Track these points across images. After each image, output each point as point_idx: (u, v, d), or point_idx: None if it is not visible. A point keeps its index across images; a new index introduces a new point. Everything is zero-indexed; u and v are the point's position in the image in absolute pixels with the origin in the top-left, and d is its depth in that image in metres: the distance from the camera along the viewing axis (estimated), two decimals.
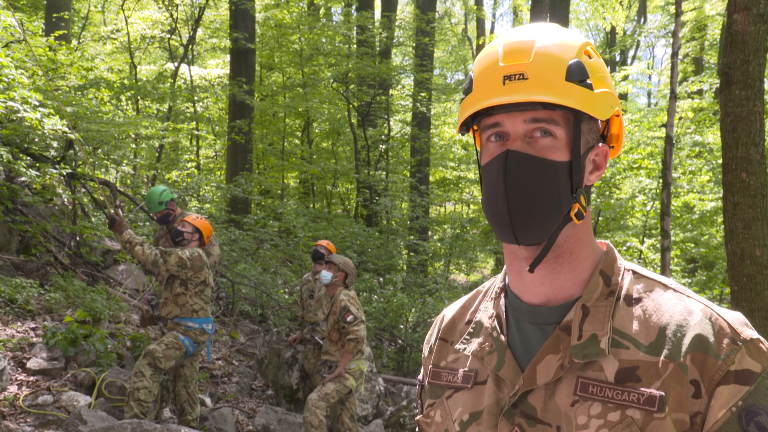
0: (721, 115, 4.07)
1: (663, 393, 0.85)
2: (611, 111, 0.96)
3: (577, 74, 0.91)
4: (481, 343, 1.03)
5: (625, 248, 11.40)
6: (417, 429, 1.11)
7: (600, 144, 1.00)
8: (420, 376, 1.16)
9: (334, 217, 13.17)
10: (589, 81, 0.92)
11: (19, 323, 5.42)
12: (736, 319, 0.89)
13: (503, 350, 0.99)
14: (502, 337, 1.00)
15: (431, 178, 15.66)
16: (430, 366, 1.11)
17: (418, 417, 1.11)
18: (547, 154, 0.92)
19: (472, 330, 1.07)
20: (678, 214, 11.07)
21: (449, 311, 1.15)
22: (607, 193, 11.97)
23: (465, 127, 1.01)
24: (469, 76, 0.99)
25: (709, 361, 0.85)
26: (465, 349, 1.05)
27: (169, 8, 12.80)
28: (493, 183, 0.94)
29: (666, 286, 0.95)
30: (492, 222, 0.96)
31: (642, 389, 0.86)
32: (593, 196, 11.60)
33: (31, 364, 4.80)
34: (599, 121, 1.00)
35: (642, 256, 11.14)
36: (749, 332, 0.87)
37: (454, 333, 1.11)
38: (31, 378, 4.71)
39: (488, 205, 0.96)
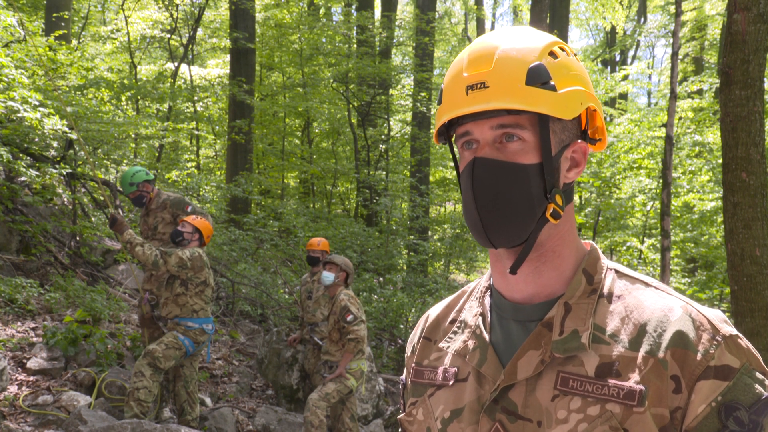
0: (721, 115, 4.08)
1: (643, 387, 0.86)
2: (580, 108, 0.96)
3: (538, 77, 0.92)
4: (464, 341, 1.04)
5: (625, 248, 11.40)
6: (400, 428, 1.12)
7: (578, 141, 1.00)
8: (403, 376, 1.17)
9: (334, 216, 13.17)
10: (552, 82, 0.93)
11: (19, 323, 5.42)
12: (715, 315, 0.90)
13: (485, 347, 1.00)
14: (485, 335, 1.01)
15: (431, 178, 15.66)
16: (413, 365, 1.12)
17: (400, 416, 1.12)
18: (516, 158, 0.93)
19: (456, 329, 1.08)
20: (678, 214, 11.07)
21: (433, 311, 1.16)
22: (607, 193, 11.97)
23: (443, 137, 1.03)
24: (441, 88, 1.01)
25: (689, 357, 0.86)
26: (448, 347, 1.06)
27: (169, 8, 12.80)
28: (466, 190, 0.96)
29: (647, 284, 0.97)
30: (469, 227, 0.98)
31: (622, 383, 0.87)
32: (593, 196, 11.60)
33: (31, 364, 4.80)
34: (578, 118, 1.00)
35: (642, 256, 11.14)
36: (728, 329, 0.89)
37: (438, 332, 1.12)
38: (31, 378, 4.71)
39: (464, 211, 0.98)
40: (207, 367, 6.30)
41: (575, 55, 1.01)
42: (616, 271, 1.00)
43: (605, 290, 0.97)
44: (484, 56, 0.95)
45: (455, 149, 1.05)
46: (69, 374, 4.88)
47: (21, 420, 4.25)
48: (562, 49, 0.98)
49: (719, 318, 0.90)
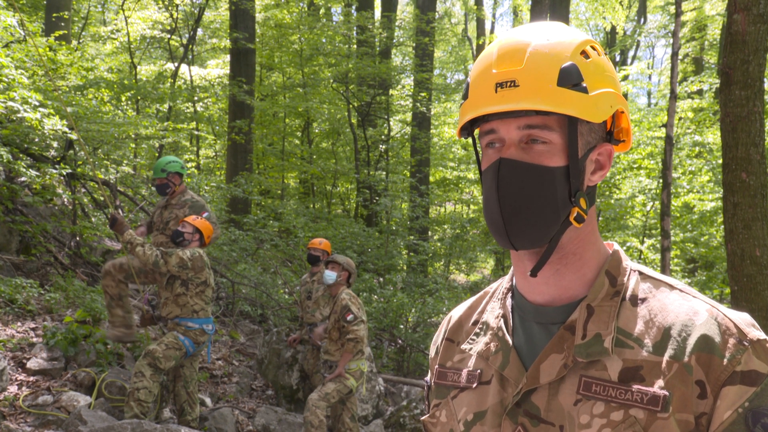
0: (721, 115, 4.08)
1: (667, 393, 0.84)
2: (610, 111, 0.94)
3: (570, 78, 0.90)
4: (486, 343, 1.03)
5: (625, 248, 11.39)
6: (423, 430, 1.12)
7: (603, 143, 0.98)
8: (427, 378, 1.16)
9: (334, 217, 13.18)
10: (583, 84, 0.91)
11: (19, 323, 5.42)
12: (742, 319, 0.88)
13: (508, 350, 0.99)
14: (508, 337, 1.00)
15: (431, 178, 15.66)
16: (437, 366, 1.11)
17: (424, 417, 1.11)
18: (542, 160, 0.92)
19: (478, 330, 1.07)
20: (678, 214, 11.07)
21: (456, 312, 1.15)
22: (607, 193, 11.98)
23: (466, 131, 1.01)
24: (467, 81, 0.99)
25: (714, 362, 0.84)
26: (471, 349, 1.05)
27: (169, 8, 12.80)
28: (489, 190, 0.94)
29: (672, 287, 0.95)
30: (489, 227, 0.96)
31: (646, 389, 0.86)
32: None
33: (31, 364, 4.79)
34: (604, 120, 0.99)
35: (642, 257, 11.14)
36: (756, 333, 0.87)
37: (460, 333, 1.11)
38: (31, 378, 4.71)
39: (485, 211, 0.96)
40: (207, 368, 6.30)
41: (605, 54, 0.99)
42: (640, 273, 0.98)
43: (629, 293, 0.95)
44: (515, 52, 0.93)
45: (478, 146, 1.03)
46: (69, 374, 4.88)
47: (21, 420, 4.25)
48: (593, 47, 0.96)
49: (746, 322, 0.88)
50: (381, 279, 9.91)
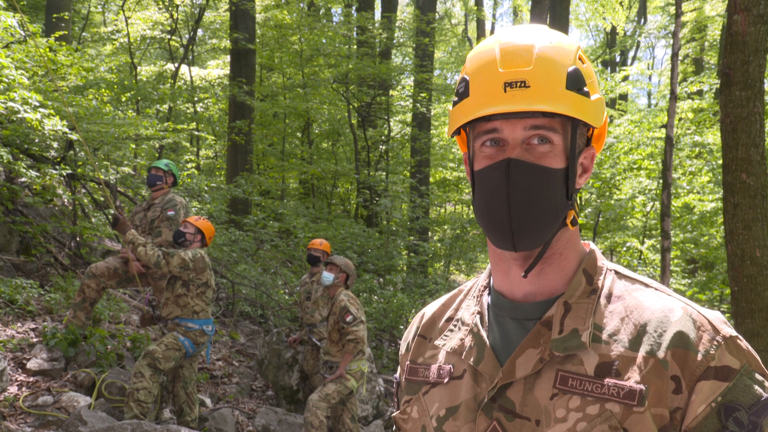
0: (721, 116, 4.08)
1: (643, 387, 0.85)
2: (604, 116, 0.97)
3: (576, 82, 0.92)
4: (461, 339, 1.03)
5: (625, 249, 11.40)
6: (394, 426, 1.12)
7: (587, 147, 1.01)
8: (397, 374, 1.16)
9: (334, 217, 13.17)
10: (586, 89, 0.93)
11: (19, 324, 5.42)
12: (716, 317, 0.90)
13: (482, 345, 0.99)
14: (483, 333, 1.00)
15: (431, 179, 15.66)
16: (408, 362, 1.11)
17: (394, 414, 1.11)
18: (545, 161, 0.92)
19: (452, 327, 1.07)
20: (678, 215, 11.06)
21: (429, 309, 1.15)
22: (607, 193, 11.97)
23: (457, 130, 1.00)
24: (464, 78, 0.97)
25: (689, 357, 0.86)
26: (444, 344, 1.05)
27: (169, 9, 12.80)
28: (493, 190, 0.93)
29: (647, 285, 0.97)
30: (489, 228, 0.95)
31: (622, 383, 0.87)
32: (593, 197, 11.61)
33: (31, 364, 4.79)
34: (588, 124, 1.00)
35: (642, 257, 11.14)
36: (728, 330, 0.89)
37: (433, 330, 1.11)
38: (31, 379, 4.71)
39: (485, 211, 0.95)
40: (207, 368, 6.30)
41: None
42: (616, 272, 0.99)
43: (605, 291, 0.96)
44: (522, 52, 0.92)
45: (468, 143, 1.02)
46: (69, 375, 4.88)
47: (21, 421, 4.25)
48: (583, 54, 0.98)
49: (719, 319, 0.90)
50: (381, 279, 9.91)
